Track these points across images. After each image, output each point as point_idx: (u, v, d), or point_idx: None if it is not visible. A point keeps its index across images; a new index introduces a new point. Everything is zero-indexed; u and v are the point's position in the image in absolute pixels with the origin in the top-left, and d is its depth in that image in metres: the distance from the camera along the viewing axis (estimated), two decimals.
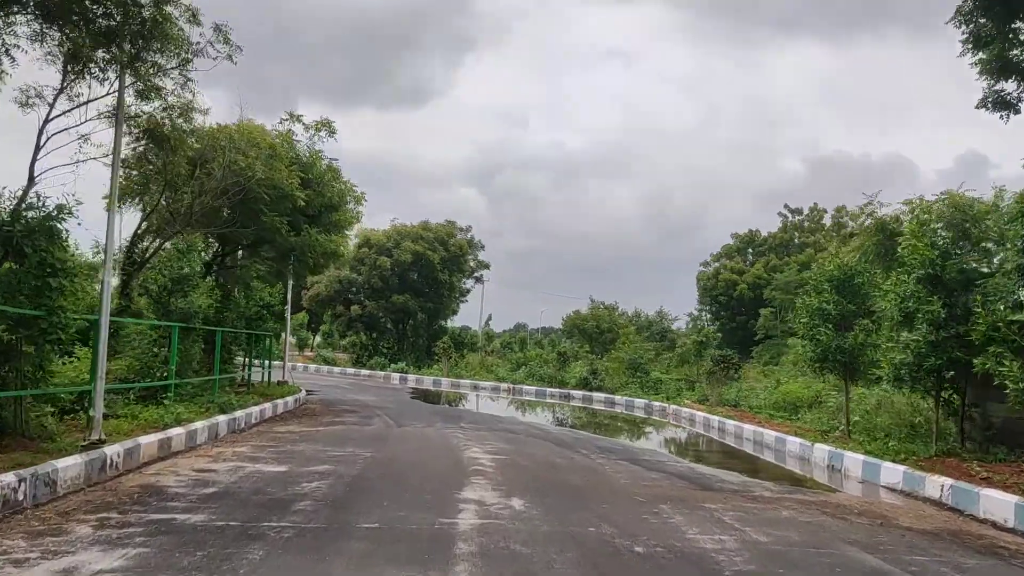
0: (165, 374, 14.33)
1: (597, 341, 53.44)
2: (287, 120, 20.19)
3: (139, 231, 17.17)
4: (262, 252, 20.69)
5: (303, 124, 20.37)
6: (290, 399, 21.04)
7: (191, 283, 15.69)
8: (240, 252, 21.15)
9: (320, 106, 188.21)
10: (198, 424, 13.07)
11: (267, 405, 18.33)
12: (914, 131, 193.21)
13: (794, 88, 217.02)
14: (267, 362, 24.07)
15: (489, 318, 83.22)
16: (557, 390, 32.90)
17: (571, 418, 24.75)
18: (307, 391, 27.58)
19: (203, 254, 19.13)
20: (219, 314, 18.36)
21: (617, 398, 29.92)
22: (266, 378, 23.72)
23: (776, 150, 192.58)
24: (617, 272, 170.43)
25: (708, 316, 62.96)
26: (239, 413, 15.73)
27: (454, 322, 55.94)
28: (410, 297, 45.23)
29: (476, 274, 52.04)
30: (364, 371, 41.94)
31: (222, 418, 14.53)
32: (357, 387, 31.81)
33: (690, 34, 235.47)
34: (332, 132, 20.64)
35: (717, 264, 62.95)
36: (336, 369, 43.19)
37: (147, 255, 16.95)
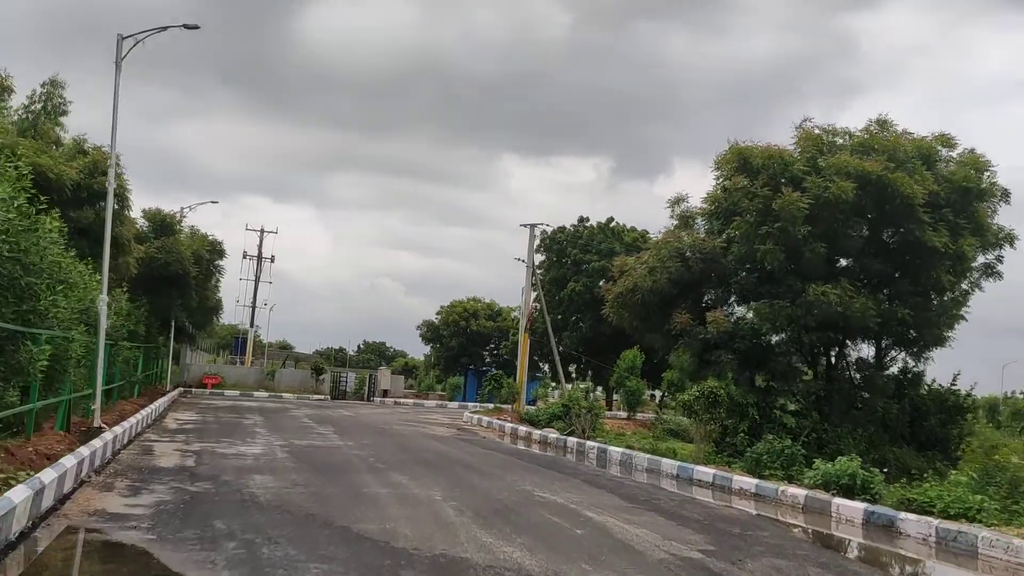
0: None
1: None
2: None
3: None
4: None
5: None
6: None
7: None
8: None
9: (696, 163, 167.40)
10: None
11: None
12: None
13: None
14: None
15: None
16: None
17: None
18: None
19: None
20: None
21: None
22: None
23: None
24: None
25: None
26: None
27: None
28: (851, 290, 18.19)
29: (994, 252, 22.09)
30: (734, 478, 15.66)
31: None
32: None
33: None
34: None
35: None
36: (666, 462, 17.61)
37: None
